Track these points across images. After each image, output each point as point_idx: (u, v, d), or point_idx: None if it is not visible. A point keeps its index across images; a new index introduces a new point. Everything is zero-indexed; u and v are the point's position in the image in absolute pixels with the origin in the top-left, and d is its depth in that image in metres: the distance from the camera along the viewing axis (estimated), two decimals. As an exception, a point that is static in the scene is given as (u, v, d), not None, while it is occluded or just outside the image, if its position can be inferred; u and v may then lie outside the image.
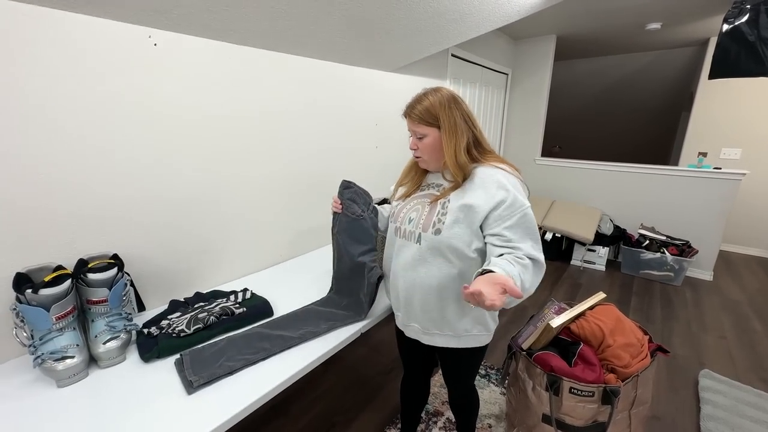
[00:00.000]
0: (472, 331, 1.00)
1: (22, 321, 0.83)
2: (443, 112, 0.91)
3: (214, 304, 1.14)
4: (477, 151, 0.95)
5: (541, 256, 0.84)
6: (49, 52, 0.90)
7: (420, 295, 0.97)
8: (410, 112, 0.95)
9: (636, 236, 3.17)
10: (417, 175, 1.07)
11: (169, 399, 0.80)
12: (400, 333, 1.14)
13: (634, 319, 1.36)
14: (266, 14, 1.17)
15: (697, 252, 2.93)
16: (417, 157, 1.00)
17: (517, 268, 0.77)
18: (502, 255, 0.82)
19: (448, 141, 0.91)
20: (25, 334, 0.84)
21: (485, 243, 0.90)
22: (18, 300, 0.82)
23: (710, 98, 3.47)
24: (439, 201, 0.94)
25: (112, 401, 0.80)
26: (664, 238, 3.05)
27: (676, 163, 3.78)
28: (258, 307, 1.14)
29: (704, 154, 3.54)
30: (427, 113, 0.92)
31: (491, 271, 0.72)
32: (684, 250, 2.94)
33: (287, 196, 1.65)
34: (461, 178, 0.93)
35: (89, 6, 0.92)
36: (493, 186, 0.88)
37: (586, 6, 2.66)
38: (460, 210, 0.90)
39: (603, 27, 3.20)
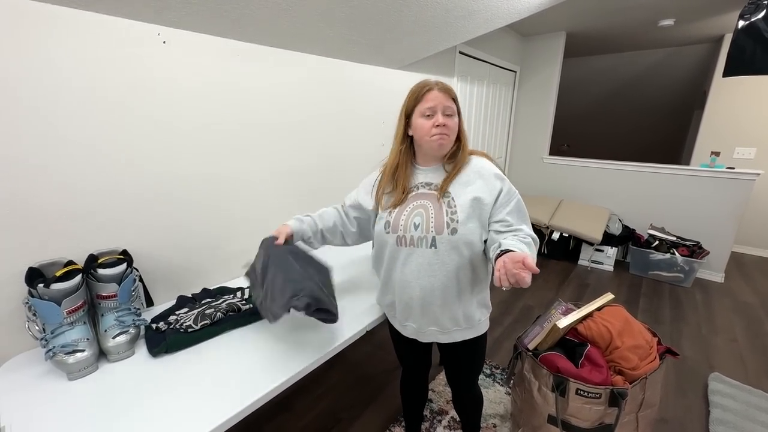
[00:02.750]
0: (481, 318, 1.03)
1: (34, 315, 0.85)
2: (457, 100, 0.95)
3: (221, 300, 1.15)
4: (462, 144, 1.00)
5: (535, 236, 0.91)
6: (58, 51, 0.91)
7: (441, 298, 0.95)
8: (443, 86, 0.93)
9: (645, 236, 3.12)
10: (403, 179, 0.98)
11: (177, 393, 0.81)
12: (396, 333, 1.13)
13: (642, 321, 1.34)
14: (274, 11, 1.17)
15: (708, 253, 2.88)
16: (443, 135, 0.90)
17: (525, 247, 0.83)
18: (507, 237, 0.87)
19: (460, 124, 0.95)
20: (37, 328, 0.86)
21: (489, 231, 0.93)
22: (30, 294, 0.84)
23: (724, 96, 3.40)
24: (442, 199, 0.93)
25: (121, 394, 0.81)
26: (675, 238, 3.00)
27: (687, 163, 3.71)
28: (264, 304, 1.15)
29: (717, 154, 3.47)
30: (454, 95, 0.94)
31: (509, 251, 0.78)
32: (694, 251, 2.89)
33: (293, 193, 1.65)
34: (459, 164, 0.95)
35: (98, 3, 0.92)
36: (491, 177, 0.93)
37: (597, 2, 2.61)
38: (470, 205, 0.90)
39: (614, 23, 3.14)
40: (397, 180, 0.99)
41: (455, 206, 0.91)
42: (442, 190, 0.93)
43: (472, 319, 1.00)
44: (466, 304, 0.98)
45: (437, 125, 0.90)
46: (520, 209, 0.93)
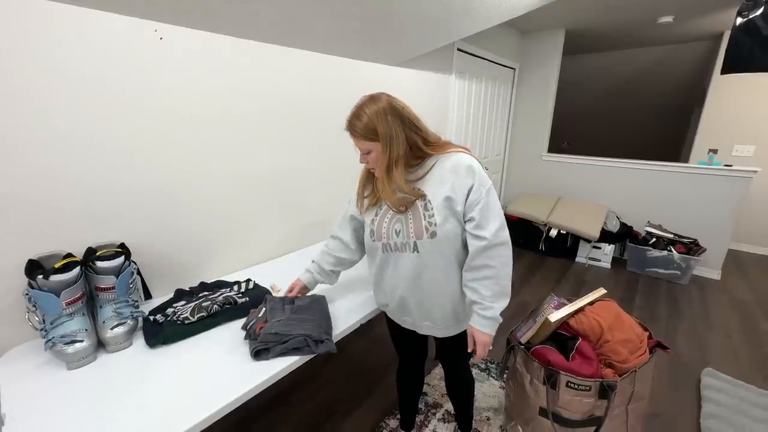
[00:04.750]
0: None
1: (34, 306, 0.87)
2: (380, 125, 0.89)
3: (218, 293, 1.17)
4: (429, 147, 0.95)
5: (505, 234, 0.91)
6: (55, 47, 0.92)
7: (431, 297, 0.98)
8: (352, 129, 0.93)
9: (643, 234, 3.13)
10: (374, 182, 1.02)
11: (173, 383, 0.83)
12: (392, 323, 1.16)
13: (638, 317, 1.35)
14: (270, 6, 1.18)
15: (705, 250, 2.89)
16: (371, 169, 0.98)
17: (484, 320, 0.93)
18: (472, 280, 0.93)
19: (382, 155, 0.91)
20: (37, 319, 0.88)
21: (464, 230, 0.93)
22: (30, 285, 0.86)
23: (723, 94, 3.39)
24: (418, 203, 0.92)
25: (119, 384, 0.83)
26: (672, 236, 3.01)
27: (687, 160, 3.71)
28: (260, 297, 1.16)
29: (714, 151, 3.47)
30: (367, 129, 0.90)
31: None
32: (692, 248, 2.89)
33: (290, 190, 1.67)
34: (397, 189, 0.92)
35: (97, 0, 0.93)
36: (463, 171, 0.90)
37: (595, -1, 2.61)
38: (444, 206, 0.90)
39: (613, 20, 3.14)
40: (372, 185, 1.02)
41: (432, 209, 0.91)
42: (417, 195, 0.92)
43: (467, 314, 1.02)
44: (456, 301, 0.99)
45: (361, 162, 0.99)
46: (490, 205, 0.90)
